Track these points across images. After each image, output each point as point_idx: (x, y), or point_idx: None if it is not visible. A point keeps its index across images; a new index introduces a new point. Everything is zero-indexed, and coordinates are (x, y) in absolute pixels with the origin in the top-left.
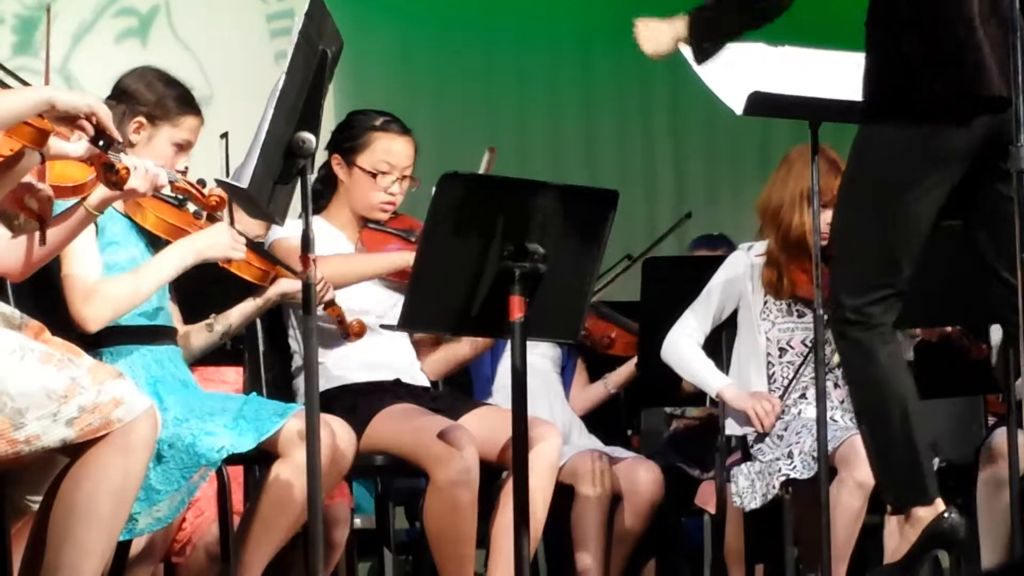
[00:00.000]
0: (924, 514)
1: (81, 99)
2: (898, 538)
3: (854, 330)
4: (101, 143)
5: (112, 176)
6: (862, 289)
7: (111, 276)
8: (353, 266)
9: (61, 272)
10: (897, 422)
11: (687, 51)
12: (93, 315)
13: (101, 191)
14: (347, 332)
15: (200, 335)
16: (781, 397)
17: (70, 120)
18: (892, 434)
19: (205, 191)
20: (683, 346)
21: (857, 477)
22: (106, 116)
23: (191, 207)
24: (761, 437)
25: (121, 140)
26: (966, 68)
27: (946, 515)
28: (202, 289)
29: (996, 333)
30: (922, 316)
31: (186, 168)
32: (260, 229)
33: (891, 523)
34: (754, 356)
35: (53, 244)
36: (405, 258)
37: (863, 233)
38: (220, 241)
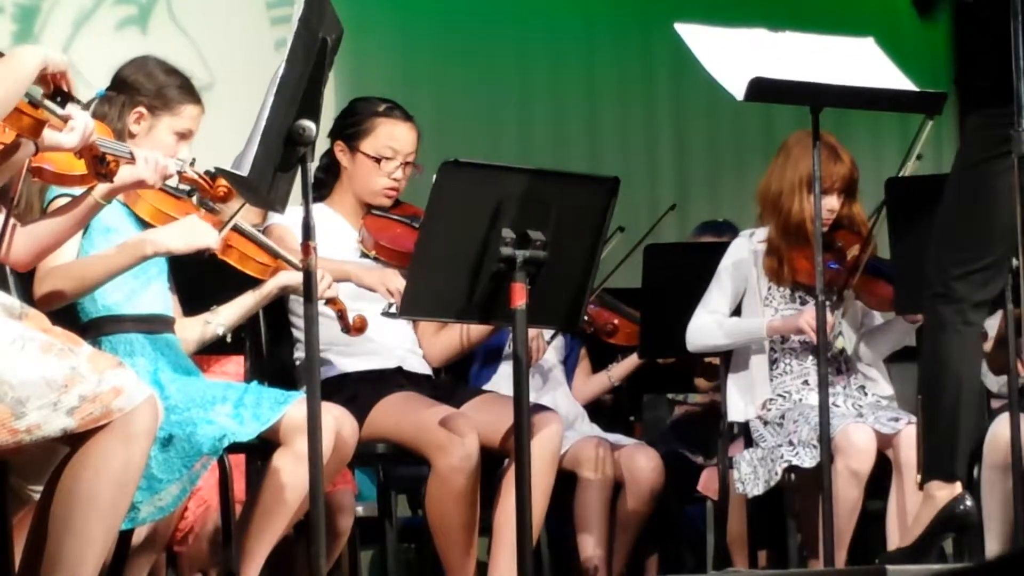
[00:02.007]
0: (940, 494)
1: (62, 58)
2: (898, 524)
3: (937, 302)
4: (59, 99)
5: (102, 168)
6: (949, 263)
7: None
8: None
9: None
10: (948, 397)
11: (687, 34)
12: (41, 293)
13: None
14: (348, 327)
15: (198, 328)
16: (779, 377)
17: (44, 77)
18: (940, 407)
19: (213, 182)
20: (708, 323)
21: (851, 466)
22: (71, 77)
23: (197, 198)
24: (764, 422)
25: (77, 98)
26: None
27: (961, 499)
28: (203, 281)
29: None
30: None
31: (193, 159)
32: (257, 218)
33: (892, 511)
34: (756, 341)
35: (61, 233)
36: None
37: (955, 208)
38: (183, 232)
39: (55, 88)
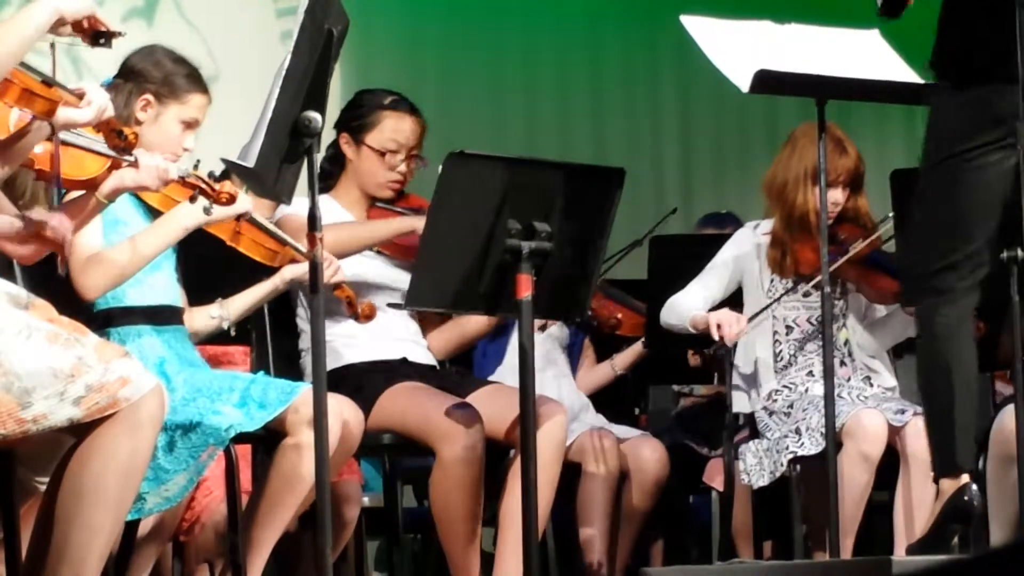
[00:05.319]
0: (946, 486)
1: (82, 2)
2: (904, 516)
3: (924, 297)
4: (101, 40)
5: (120, 142)
6: (929, 260)
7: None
8: (357, 233)
9: None
10: (943, 390)
11: (692, 27)
12: (89, 284)
13: (112, 180)
14: (357, 314)
15: (203, 319)
16: (784, 368)
17: (77, 26)
18: (935, 403)
19: (216, 186)
20: (675, 301)
21: (863, 450)
22: (100, 15)
23: (203, 202)
24: (770, 412)
25: (116, 32)
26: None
27: (965, 490)
28: (209, 272)
29: None
30: None
31: (198, 162)
32: (268, 211)
33: (899, 503)
34: (761, 333)
35: None
36: (409, 223)
37: (931, 198)
38: None
39: (92, 32)
